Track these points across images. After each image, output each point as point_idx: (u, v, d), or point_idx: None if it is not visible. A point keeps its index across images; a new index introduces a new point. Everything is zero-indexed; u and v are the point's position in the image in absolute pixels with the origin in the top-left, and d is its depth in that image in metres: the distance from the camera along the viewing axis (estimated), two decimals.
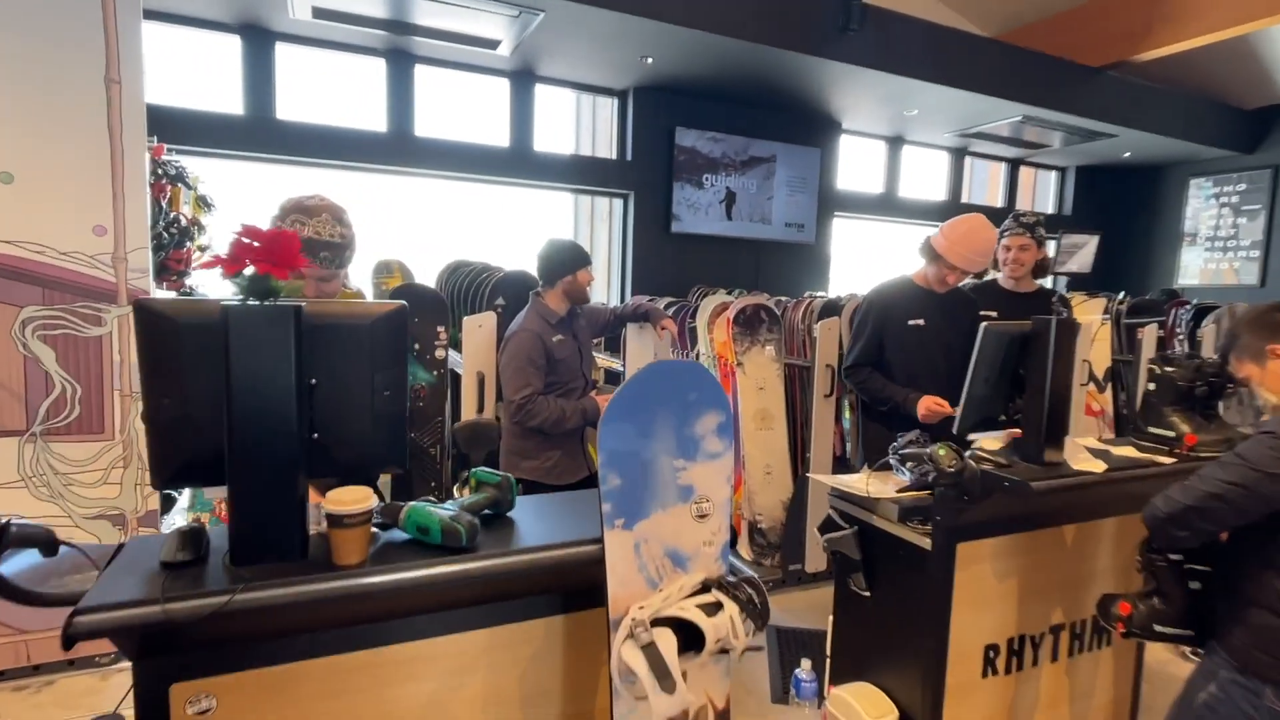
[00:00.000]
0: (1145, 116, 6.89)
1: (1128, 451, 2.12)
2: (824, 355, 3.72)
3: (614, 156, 6.33)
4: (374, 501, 1.16)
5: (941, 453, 1.78)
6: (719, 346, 4.04)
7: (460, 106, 5.82)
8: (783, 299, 4.67)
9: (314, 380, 1.13)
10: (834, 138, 7.15)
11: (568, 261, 2.53)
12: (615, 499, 1.29)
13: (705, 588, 1.35)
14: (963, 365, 2.23)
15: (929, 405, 2.45)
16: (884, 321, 2.62)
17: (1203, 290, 8.09)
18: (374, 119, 5.43)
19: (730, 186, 6.54)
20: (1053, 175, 9.20)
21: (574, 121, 6.46)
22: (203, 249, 3.49)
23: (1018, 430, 2.10)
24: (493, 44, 5.07)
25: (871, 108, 6.59)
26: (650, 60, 5.40)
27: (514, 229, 6.35)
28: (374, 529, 1.26)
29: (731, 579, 1.39)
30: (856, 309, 2.77)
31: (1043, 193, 9.34)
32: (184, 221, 3.17)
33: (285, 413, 1.08)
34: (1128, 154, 8.11)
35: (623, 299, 6.23)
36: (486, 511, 1.39)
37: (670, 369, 1.35)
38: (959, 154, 8.26)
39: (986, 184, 9.20)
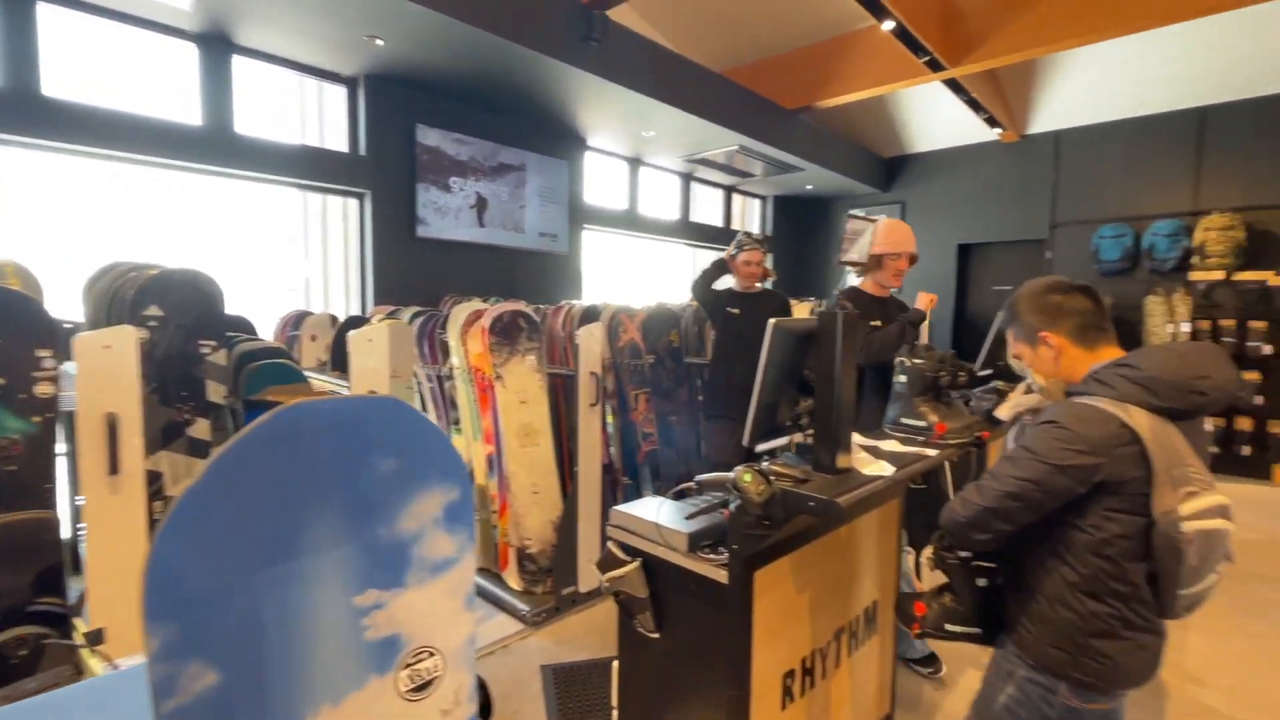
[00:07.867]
0: (823, 155, 7.73)
1: (894, 446, 1.94)
2: (587, 363, 3.24)
3: (346, 150, 5.16)
4: None
5: (748, 479, 1.34)
6: (475, 359, 3.38)
7: (127, 65, 4.20)
8: (542, 306, 4.12)
9: None
10: (580, 153, 6.81)
11: None
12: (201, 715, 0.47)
13: None
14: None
15: None
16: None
17: None
18: None
19: (481, 192, 5.78)
20: (757, 202, 10.05)
21: (299, 107, 5.15)
22: None
23: (798, 435, 1.80)
24: None
25: (613, 125, 6.38)
26: (381, 43, 4.44)
27: (231, 228, 4.84)
28: None
29: None
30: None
31: (750, 217, 10.15)
32: None
33: None
34: (810, 186, 9.12)
35: (363, 308, 5.11)
36: None
37: (327, 414, 0.59)
38: (686, 179, 8.53)
39: (707, 209, 9.70)
